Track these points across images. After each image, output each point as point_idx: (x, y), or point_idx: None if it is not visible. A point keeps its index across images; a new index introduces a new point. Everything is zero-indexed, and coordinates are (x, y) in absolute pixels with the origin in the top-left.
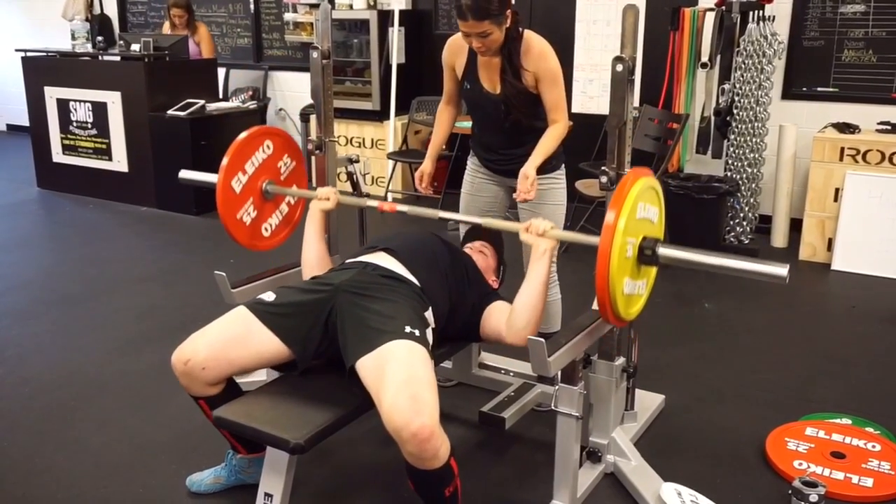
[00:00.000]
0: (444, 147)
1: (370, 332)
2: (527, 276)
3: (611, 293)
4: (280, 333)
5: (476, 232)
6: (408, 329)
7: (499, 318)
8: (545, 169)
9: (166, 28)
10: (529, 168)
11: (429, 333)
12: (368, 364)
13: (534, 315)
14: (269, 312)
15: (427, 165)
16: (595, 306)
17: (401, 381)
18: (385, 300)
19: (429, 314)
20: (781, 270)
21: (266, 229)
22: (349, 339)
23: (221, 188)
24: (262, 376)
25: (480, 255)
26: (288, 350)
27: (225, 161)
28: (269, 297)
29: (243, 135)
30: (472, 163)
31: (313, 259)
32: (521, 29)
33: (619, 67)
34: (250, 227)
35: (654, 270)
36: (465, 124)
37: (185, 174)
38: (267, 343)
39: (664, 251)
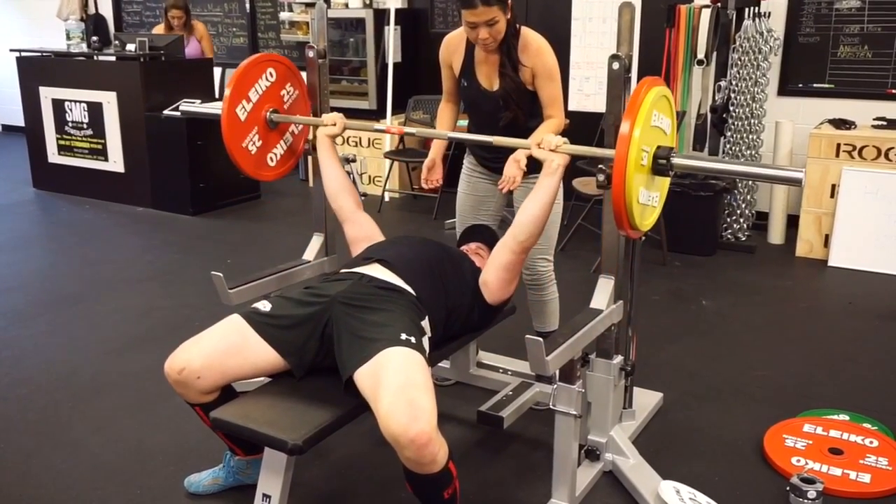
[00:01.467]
0: (448, 148)
1: (365, 342)
2: (535, 189)
3: (627, 203)
4: (276, 345)
5: (471, 233)
6: (403, 336)
7: (492, 260)
8: (540, 167)
9: (158, 29)
10: (520, 153)
11: (425, 341)
12: (365, 373)
13: (537, 227)
14: (265, 323)
15: (428, 161)
16: (593, 304)
17: (397, 387)
18: (380, 310)
19: (425, 323)
20: (797, 174)
21: (271, 159)
22: (345, 351)
23: (227, 115)
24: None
25: (477, 257)
26: (283, 361)
27: (228, 89)
28: (264, 306)
29: (245, 62)
30: (468, 161)
31: (336, 186)
32: (518, 25)
33: (616, 65)
34: (256, 155)
35: (667, 181)
36: (462, 122)
37: (186, 107)
38: (263, 354)
39: (678, 160)
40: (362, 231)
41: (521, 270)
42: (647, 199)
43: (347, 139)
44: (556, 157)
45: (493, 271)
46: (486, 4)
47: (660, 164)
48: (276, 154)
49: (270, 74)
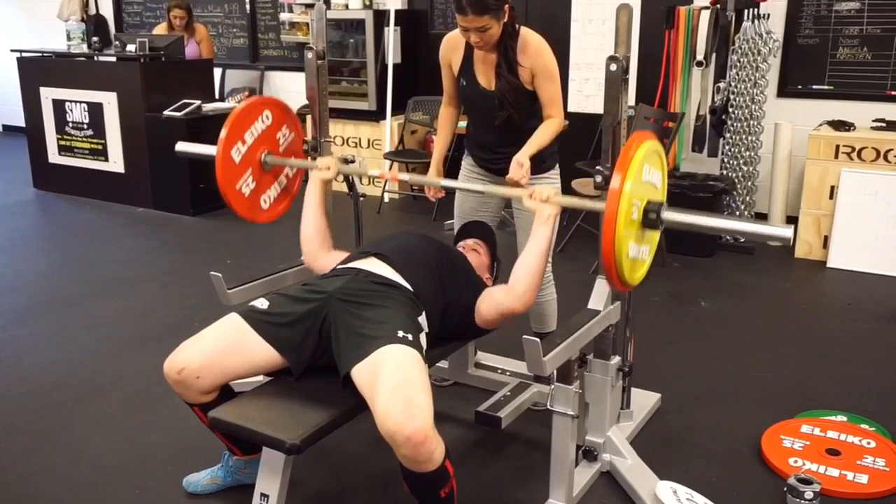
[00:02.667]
0: (448, 151)
1: (363, 339)
2: (529, 240)
3: (616, 257)
4: (274, 342)
5: (468, 230)
6: (400, 334)
7: (492, 295)
8: (539, 168)
9: (159, 29)
10: (522, 156)
11: (422, 338)
12: (362, 371)
13: (535, 280)
14: (263, 321)
15: (432, 172)
16: (591, 305)
17: (394, 385)
18: (378, 307)
19: (422, 319)
20: (786, 232)
21: (265, 201)
22: (342, 347)
23: (221, 157)
24: (258, 378)
25: (474, 252)
26: (282, 358)
27: (224, 130)
28: (262, 304)
29: (242, 104)
30: (466, 163)
31: (312, 232)
32: (517, 25)
33: (614, 67)
34: (249, 198)
35: (657, 235)
36: (461, 123)
37: (181, 146)
38: (261, 352)
39: (669, 215)
40: (329, 264)
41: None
42: (636, 254)
43: (347, 139)
44: (546, 207)
45: (489, 308)
46: (476, 14)
47: (650, 218)
48: (269, 196)
49: (266, 117)
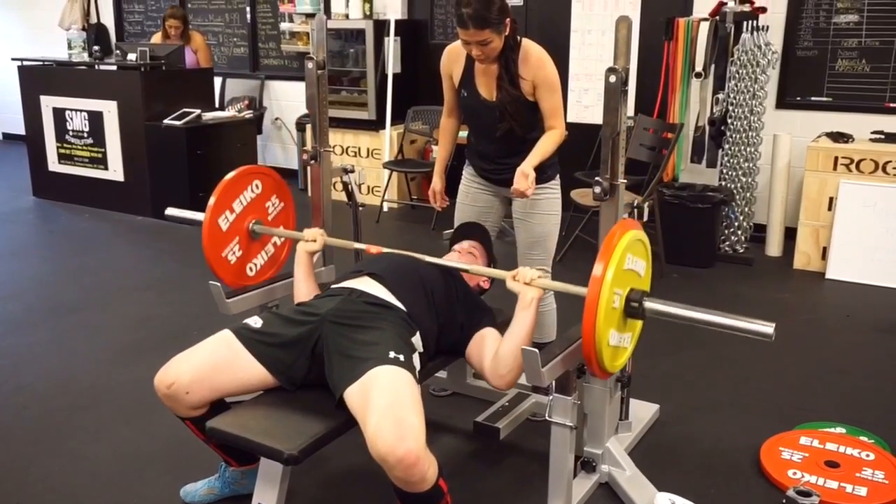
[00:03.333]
0: (450, 160)
1: (355, 361)
2: (512, 324)
3: (597, 345)
4: (266, 363)
5: (464, 232)
6: (392, 354)
7: (483, 350)
8: (540, 178)
9: (156, 38)
10: (527, 166)
11: (415, 358)
12: (354, 393)
13: (518, 363)
14: (255, 340)
15: (436, 182)
16: None
17: (385, 406)
18: (370, 328)
19: (416, 339)
20: (767, 328)
21: (251, 269)
22: (335, 370)
23: (208, 226)
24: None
25: (470, 255)
26: (273, 379)
27: (213, 199)
28: (255, 323)
29: (232, 174)
30: (467, 172)
31: (304, 299)
32: (519, 38)
33: (613, 78)
34: (235, 265)
35: (639, 324)
36: (461, 133)
37: (171, 212)
38: (252, 371)
39: (651, 305)
40: None
41: None
42: (617, 342)
43: (346, 149)
44: (529, 290)
45: (475, 358)
46: (478, 28)
47: (632, 307)
48: (255, 264)
49: (256, 186)
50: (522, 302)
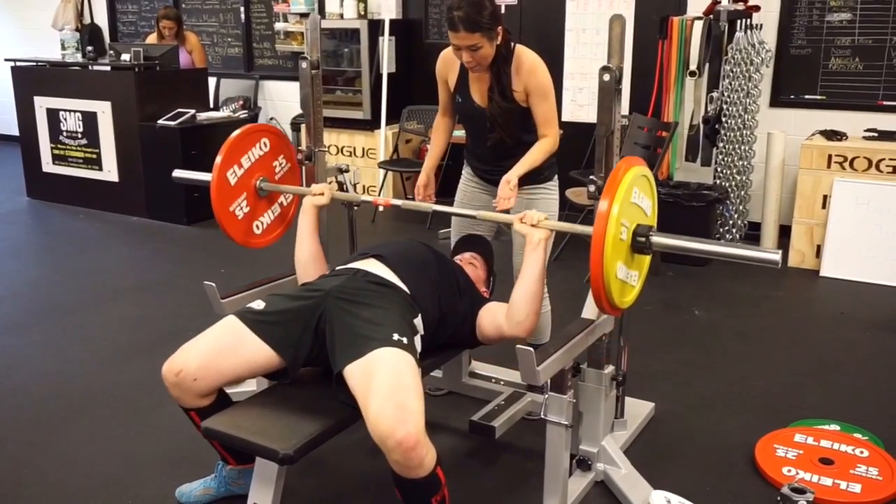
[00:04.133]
0: (442, 159)
1: (358, 339)
2: (523, 267)
3: (605, 279)
4: (271, 341)
5: (466, 243)
6: (396, 336)
7: (495, 315)
8: (538, 179)
9: (151, 39)
10: (512, 174)
11: (417, 341)
12: (356, 371)
13: (533, 305)
14: (259, 321)
15: (422, 178)
16: (585, 314)
17: (387, 389)
18: (374, 307)
19: (418, 321)
20: (774, 255)
21: (258, 227)
22: (337, 345)
23: (217, 178)
24: (252, 386)
25: (470, 266)
26: (279, 358)
27: (221, 153)
28: (258, 305)
29: (240, 130)
30: (466, 172)
31: (307, 257)
32: (512, 44)
33: (606, 77)
34: (243, 221)
35: (647, 260)
36: (458, 133)
37: (178, 173)
38: (258, 352)
39: (658, 238)
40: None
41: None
42: (625, 276)
43: (342, 149)
44: (537, 232)
45: (490, 328)
46: (468, 31)
47: (639, 241)
48: (262, 222)
49: (264, 144)
50: (531, 244)
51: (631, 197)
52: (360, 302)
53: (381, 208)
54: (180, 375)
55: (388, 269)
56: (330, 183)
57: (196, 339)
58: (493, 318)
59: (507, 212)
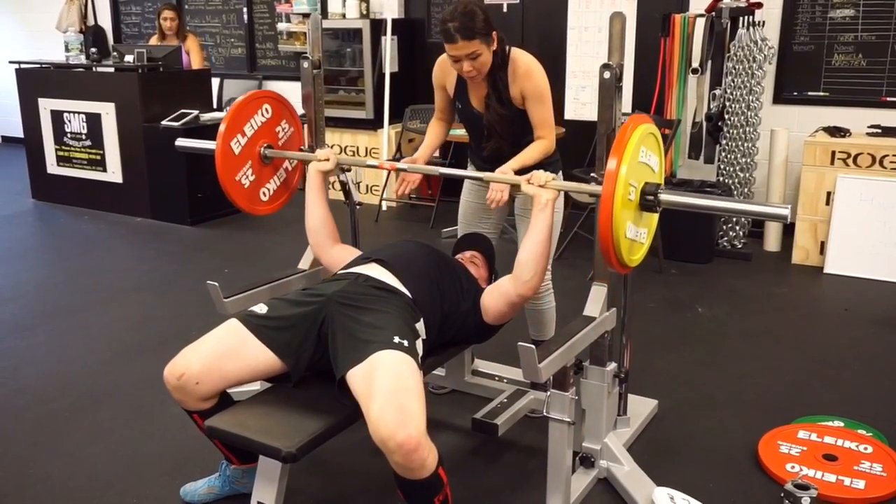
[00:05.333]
0: (431, 156)
1: (359, 343)
2: (530, 227)
3: (614, 237)
4: (273, 346)
5: (467, 242)
6: (396, 339)
7: (498, 286)
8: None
9: (154, 41)
10: (507, 167)
11: (419, 344)
12: (357, 375)
13: (539, 265)
14: (262, 325)
15: (413, 158)
16: (587, 311)
17: (388, 391)
18: (375, 311)
19: (420, 325)
20: (783, 210)
21: (264, 194)
22: (339, 350)
23: (221, 148)
24: (255, 386)
25: (472, 264)
26: (281, 363)
27: (224, 122)
28: (261, 309)
29: (242, 97)
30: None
31: (317, 222)
32: (508, 49)
33: (607, 75)
34: (249, 190)
35: (654, 218)
36: (460, 132)
37: (181, 142)
38: (260, 356)
39: (666, 196)
40: (340, 257)
41: (523, 306)
42: (634, 235)
43: (345, 148)
44: (545, 192)
45: (495, 302)
46: (466, 39)
47: (647, 200)
48: (268, 189)
49: (266, 111)
50: (538, 204)
51: (638, 157)
52: (362, 307)
53: (384, 207)
54: (182, 379)
55: (390, 273)
56: (332, 183)
57: (198, 343)
58: (497, 290)
59: (514, 224)
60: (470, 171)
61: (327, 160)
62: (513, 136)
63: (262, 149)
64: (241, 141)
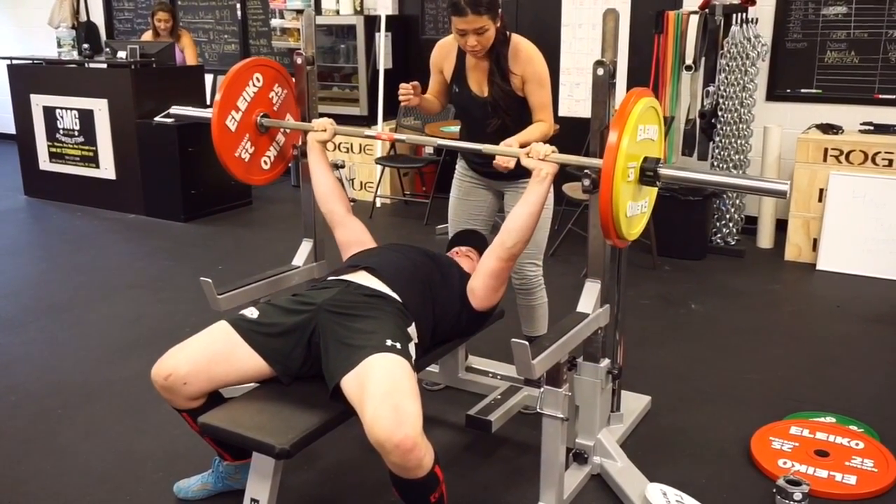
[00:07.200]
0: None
1: (351, 350)
2: (524, 196)
3: (614, 213)
4: (263, 352)
5: (461, 238)
6: (389, 342)
7: (481, 264)
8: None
9: (147, 37)
10: (512, 140)
11: (411, 347)
12: (351, 381)
13: (524, 234)
14: (252, 330)
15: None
16: (580, 308)
17: (382, 392)
18: (366, 317)
19: (412, 329)
20: (782, 186)
21: (265, 162)
22: (331, 359)
23: (217, 130)
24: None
25: (466, 259)
26: (270, 368)
27: (217, 99)
28: (252, 313)
29: (232, 70)
30: (460, 167)
31: (325, 189)
32: (508, 32)
33: (600, 71)
34: (250, 162)
35: (654, 191)
36: (453, 129)
37: (175, 110)
38: (249, 361)
39: (665, 171)
40: (353, 235)
41: (508, 278)
42: (634, 210)
43: (339, 145)
44: (545, 165)
45: (481, 278)
46: (476, 13)
47: (647, 175)
48: (269, 157)
49: (257, 80)
50: (537, 176)
51: (637, 136)
52: (353, 314)
53: (378, 204)
54: (169, 379)
55: (380, 280)
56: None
57: (186, 343)
58: (480, 267)
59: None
60: (466, 144)
61: (324, 130)
62: (515, 114)
63: (259, 118)
64: (236, 116)
